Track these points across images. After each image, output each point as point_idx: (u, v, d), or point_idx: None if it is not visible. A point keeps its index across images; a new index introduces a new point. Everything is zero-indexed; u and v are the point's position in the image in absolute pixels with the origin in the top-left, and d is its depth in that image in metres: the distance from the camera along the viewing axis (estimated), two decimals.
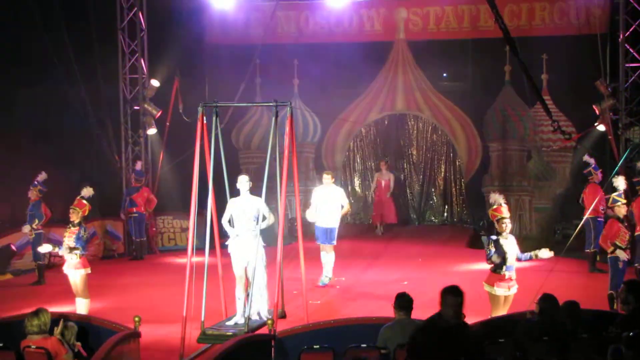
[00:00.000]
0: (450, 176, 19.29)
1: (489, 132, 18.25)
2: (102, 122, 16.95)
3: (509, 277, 8.70)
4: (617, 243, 10.02)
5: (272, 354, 7.30)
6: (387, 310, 8.12)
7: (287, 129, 8.78)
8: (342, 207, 12.28)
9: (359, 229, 18.37)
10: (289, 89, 18.92)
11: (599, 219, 12.95)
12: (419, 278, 12.66)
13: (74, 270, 9.94)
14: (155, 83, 17.01)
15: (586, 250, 13.32)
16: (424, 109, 19.04)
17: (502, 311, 8.61)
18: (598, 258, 13.07)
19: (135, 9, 17.16)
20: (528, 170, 18.22)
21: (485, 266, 9.06)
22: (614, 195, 10.76)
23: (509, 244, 8.71)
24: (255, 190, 9.13)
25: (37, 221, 13.54)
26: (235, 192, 9.13)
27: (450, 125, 18.90)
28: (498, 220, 8.83)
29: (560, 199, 17.74)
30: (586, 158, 13.66)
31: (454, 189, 19.28)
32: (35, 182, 13.68)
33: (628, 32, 15.29)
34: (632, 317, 6.75)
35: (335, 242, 12.27)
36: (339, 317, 8.76)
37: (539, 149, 18.16)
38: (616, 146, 15.19)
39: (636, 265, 11.00)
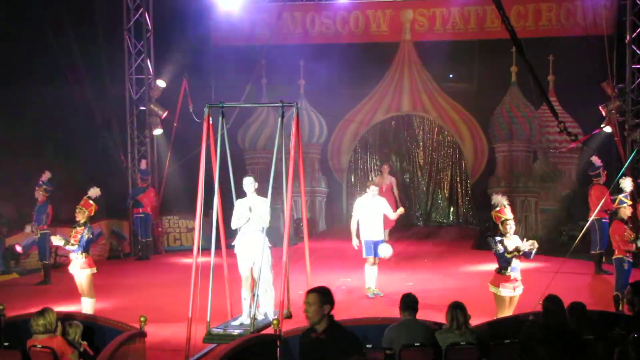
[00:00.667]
0: (456, 177, 19.27)
1: (495, 133, 18.24)
2: (108, 123, 17.00)
3: (514, 278, 8.70)
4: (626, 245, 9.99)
5: (278, 354, 7.30)
6: (392, 310, 8.13)
7: (293, 129, 8.77)
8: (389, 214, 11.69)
9: None
10: (294, 89, 18.93)
11: (604, 221, 12.93)
12: (425, 279, 12.66)
13: (80, 270, 9.95)
14: (161, 84, 17.05)
15: (592, 252, 13.29)
16: (430, 110, 19.03)
17: (507, 312, 8.60)
18: (603, 259, 13.05)
19: (142, 9, 17.19)
20: (534, 172, 18.20)
21: (491, 267, 9.06)
22: (620, 196, 10.73)
23: (513, 245, 8.69)
24: (261, 191, 9.14)
25: (36, 225, 13.55)
26: (241, 193, 9.13)
27: (457, 126, 18.89)
28: (502, 222, 8.82)
29: (566, 200, 17.73)
30: (594, 159, 13.61)
31: (459, 190, 19.26)
32: (40, 182, 13.72)
33: (635, 34, 15.24)
34: (638, 319, 6.73)
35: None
36: (344, 318, 8.75)
37: (545, 150, 18.14)
38: (622, 148, 15.14)
39: None
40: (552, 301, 6.93)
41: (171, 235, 17.58)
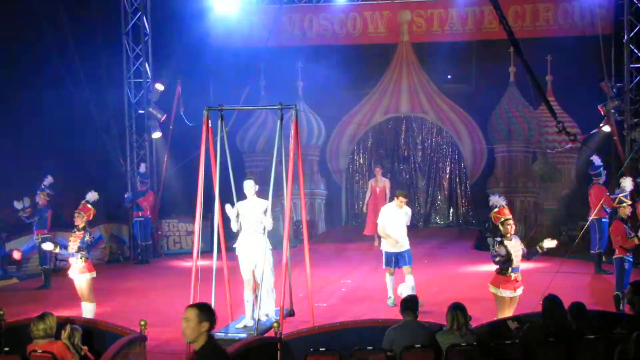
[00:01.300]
0: (456, 178, 19.27)
1: (494, 134, 18.24)
2: (107, 126, 16.99)
3: (514, 279, 8.69)
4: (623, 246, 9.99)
5: (278, 357, 7.30)
6: (392, 312, 8.13)
7: (292, 131, 8.77)
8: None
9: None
10: (293, 91, 18.93)
11: (603, 220, 12.93)
12: (425, 280, 12.64)
13: (79, 275, 9.95)
14: (159, 87, 17.06)
15: (591, 252, 13.29)
16: (429, 111, 19.03)
17: (508, 312, 8.59)
18: (604, 259, 13.05)
19: (140, 13, 17.19)
20: (533, 172, 18.21)
21: (491, 268, 9.06)
22: (620, 195, 10.73)
23: (514, 245, 8.70)
24: (260, 194, 9.14)
25: (39, 227, 13.56)
26: (241, 196, 9.13)
27: (455, 127, 18.90)
28: (502, 222, 8.81)
29: (565, 200, 17.73)
30: (594, 159, 13.61)
31: (459, 191, 19.26)
32: (43, 187, 13.73)
33: (632, 33, 15.26)
34: (639, 318, 6.73)
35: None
36: (345, 320, 8.75)
37: (544, 150, 18.15)
38: (621, 147, 15.16)
39: None
40: (551, 301, 6.93)
41: (171, 238, 17.57)
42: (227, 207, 8.98)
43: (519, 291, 8.74)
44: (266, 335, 8.20)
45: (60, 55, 15.38)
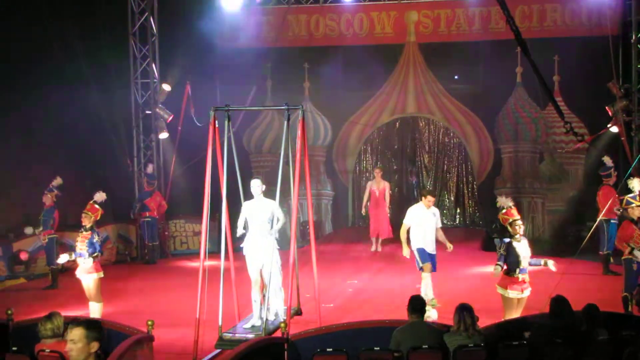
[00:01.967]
0: (462, 178, 19.23)
1: (501, 134, 18.20)
2: (114, 127, 17.02)
3: (522, 280, 8.68)
4: (631, 245, 9.95)
5: (285, 357, 7.30)
6: (400, 313, 8.11)
7: (299, 132, 8.77)
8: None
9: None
10: (299, 92, 18.93)
11: (612, 221, 12.89)
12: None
13: (87, 275, 9.98)
14: (166, 87, 17.09)
15: (600, 252, 13.25)
16: (435, 112, 19.01)
17: (515, 314, 8.59)
18: (612, 260, 13.00)
19: (147, 13, 17.23)
20: (540, 172, 18.17)
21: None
22: (628, 196, 10.68)
23: (522, 246, 8.69)
24: (267, 194, 9.14)
25: (46, 227, 13.58)
26: (248, 196, 9.14)
27: (462, 127, 18.86)
28: (511, 223, 8.81)
29: (573, 201, 17.67)
30: (606, 159, 13.56)
31: (466, 192, 19.22)
32: (51, 187, 13.76)
33: None
34: None
35: None
36: (352, 320, 8.75)
37: (552, 150, 18.09)
38: (629, 148, 15.11)
39: None
40: (559, 302, 6.92)
41: (178, 239, 17.58)
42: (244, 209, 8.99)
43: (527, 292, 8.73)
44: (273, 335, 8.21)
45: (67, 56, 15.40)
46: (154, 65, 17.43)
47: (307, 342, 7.38)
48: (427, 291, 10.39)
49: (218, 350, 8.56)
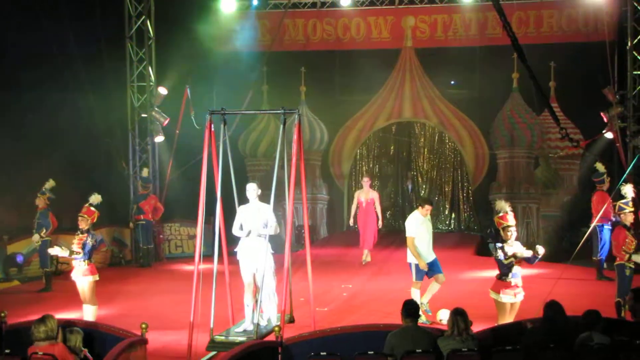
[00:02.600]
0: (458, 184, 19.28)
1: (497, 140, 18.24)
2: (110, 130, 17.01)
3: (515, 284, 8.70)
4: (625, 250, 9.96)
5: None
6: (394, 317, 8.12)
7: (295, 136, 8.78)
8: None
9: None
10: (296, 96, 18.95)
11: (605, 227, 12.92)
12: (426, 286, 12.61)
13: (82, 277, 9.96)
14: (162, 91, 17.08)
15: (593, 258, 13.27)
16: (431, 117, 19.04)
17: (508, 318, 8.60)
18: (605, 265, 13.03)
19: (144, 17, 17.25)
20: (535, 178, 18.20)
21: (492, 273, 9.05)
22: (620, 202, 10.72)
23: (515, 251, 8.69)
24: (262, 198, 9.14)
25: (44, 230, 13.57)
26: (243, 200, 9.13)
27: (458, 132, 18.90)
28: (503, 228, 8.83)
29: (567, 206, 17.70)
30: (599, 166, 13.60)
31: (461, 197, 19.26)
32: (43, 190, 13.73)
33: (636, 40, 15.27)
34: None
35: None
36: (346, 324, 8.75)
37: (547, 156, 18.13)
38: (624, 154, 15.15)
39: None
40: (553, 307, 6.93)
41: (172, 242, 17.58)
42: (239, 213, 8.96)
43: (520, 297, 8.74)
44: (267, 339, 8.20)
45: (63, 59, 15.40)
46: (150, 69, 17.43)
47: (301, 346, 7.37)
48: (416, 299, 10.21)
49: (212, 354, 8.55)
